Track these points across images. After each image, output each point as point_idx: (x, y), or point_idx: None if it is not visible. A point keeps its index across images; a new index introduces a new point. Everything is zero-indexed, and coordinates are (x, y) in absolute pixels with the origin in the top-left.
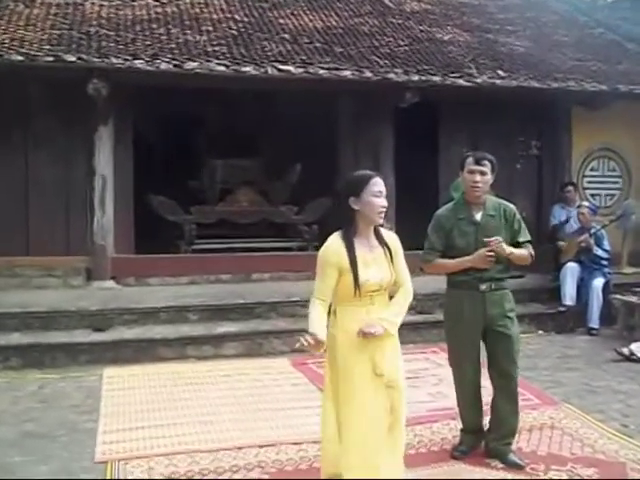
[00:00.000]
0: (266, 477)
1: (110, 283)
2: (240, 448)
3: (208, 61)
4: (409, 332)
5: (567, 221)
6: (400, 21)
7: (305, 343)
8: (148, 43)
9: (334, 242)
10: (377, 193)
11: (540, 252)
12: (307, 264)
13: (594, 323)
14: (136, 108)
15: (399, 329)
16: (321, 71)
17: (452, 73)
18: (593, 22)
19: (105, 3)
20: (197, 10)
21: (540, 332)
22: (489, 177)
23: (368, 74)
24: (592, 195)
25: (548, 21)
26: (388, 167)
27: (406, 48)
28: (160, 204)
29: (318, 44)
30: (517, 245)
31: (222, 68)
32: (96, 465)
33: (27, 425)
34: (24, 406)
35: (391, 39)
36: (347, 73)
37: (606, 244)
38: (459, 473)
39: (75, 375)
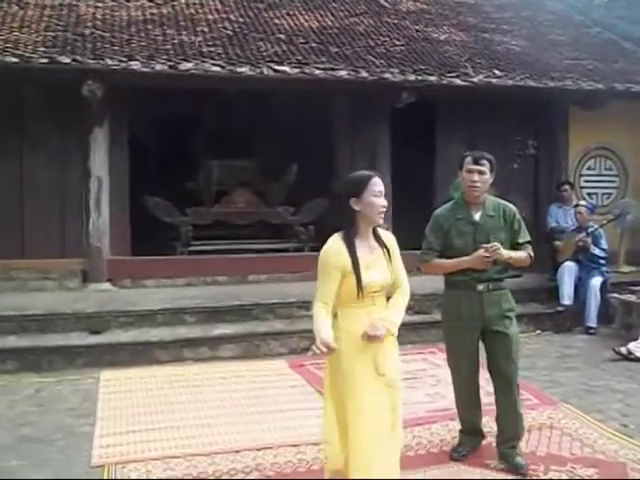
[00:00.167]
0: None
1: (106, 285)
2: (238, 451)
3: (203, 62)
4: (407, 332)
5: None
6: (396, 21)
7: (318, 352)
8: (143, 44)
9: (335, 244)
10: (377, 193)
11: (537, 252)
12: (304, 265)
13: (592, 322)
14: (131, 109)
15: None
16: (317, 71)
17: (448, 73)
18: (589, 21)
19: (100, 4)
20: (192, 11)
21: (538, 332)
22: (488, 177)
23: (364, 74)
24: (589, 194)
25: (544, 20)
26: (385, 167)
27: (402, 48)
28: (156, 205)
29: (314, 44)
30: (517, 246)
31: (217, 69)
32: (93, 469)
33: (23, 429)
34: (20, 410)
35: (387, 39)
36: (343, 73)
37: (603, 243)
38: (458, 474)
39: (72, 378)
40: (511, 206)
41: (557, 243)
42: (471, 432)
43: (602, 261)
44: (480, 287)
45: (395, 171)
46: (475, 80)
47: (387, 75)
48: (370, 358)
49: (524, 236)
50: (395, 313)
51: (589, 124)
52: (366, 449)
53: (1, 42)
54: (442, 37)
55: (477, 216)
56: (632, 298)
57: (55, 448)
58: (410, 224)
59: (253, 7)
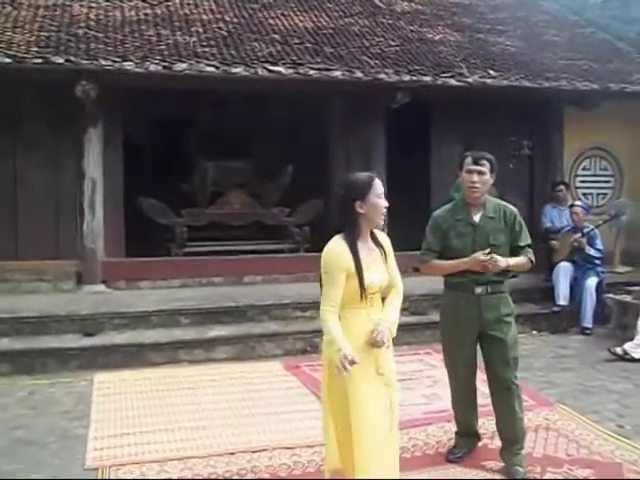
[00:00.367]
0: None
1: (101, 287)
2: (233, 453)
3: (198, 62)
4: (403, 334)
5: (559, 230)
6: (391, 21)
7: (343, 369)
8: (137, 45)
9: (338, 246)
10: (380, 195)
11: (533, 252)
12: (299, 266)
13: (588, 323)
14: (126, 110)
15: None
16: (311, 72)
17: (443, 73)
18: (584, 21)
19: (93, 5)
20: (186, 11)
21: (534, 332)
22: (488, 177)
23: (359, 74)
24: (584, 194)
25: (539, 21)
26: (380, 168)
27: (397, 48)
28: (151, 207)
29: (308, 44)
30: (517, 249)
31: (212, 69)
32: (87, 472)
33: (17, 432)
34: (14, 413)
35: (382, 39)
36: (338, 73)
37: (599, 243)
38: (454, 476)
39: (65, 381)
40: (512, 208)
41: (553, 243)
42: (467, 434)
43: (597, 261)
44: (478, 290)
45: (390, 171)
46: (470, 80)
47: (382, 75)
48: (372, 359)
49: (525, 239)
50: (393, 313)
51: (584, 124)
52: (367, 449)
53: None
54: (437, 37)
55: (477, 217)
56: (628, 298)
57: (49, 451)
58: (405, 225)
59: (247, 7)
